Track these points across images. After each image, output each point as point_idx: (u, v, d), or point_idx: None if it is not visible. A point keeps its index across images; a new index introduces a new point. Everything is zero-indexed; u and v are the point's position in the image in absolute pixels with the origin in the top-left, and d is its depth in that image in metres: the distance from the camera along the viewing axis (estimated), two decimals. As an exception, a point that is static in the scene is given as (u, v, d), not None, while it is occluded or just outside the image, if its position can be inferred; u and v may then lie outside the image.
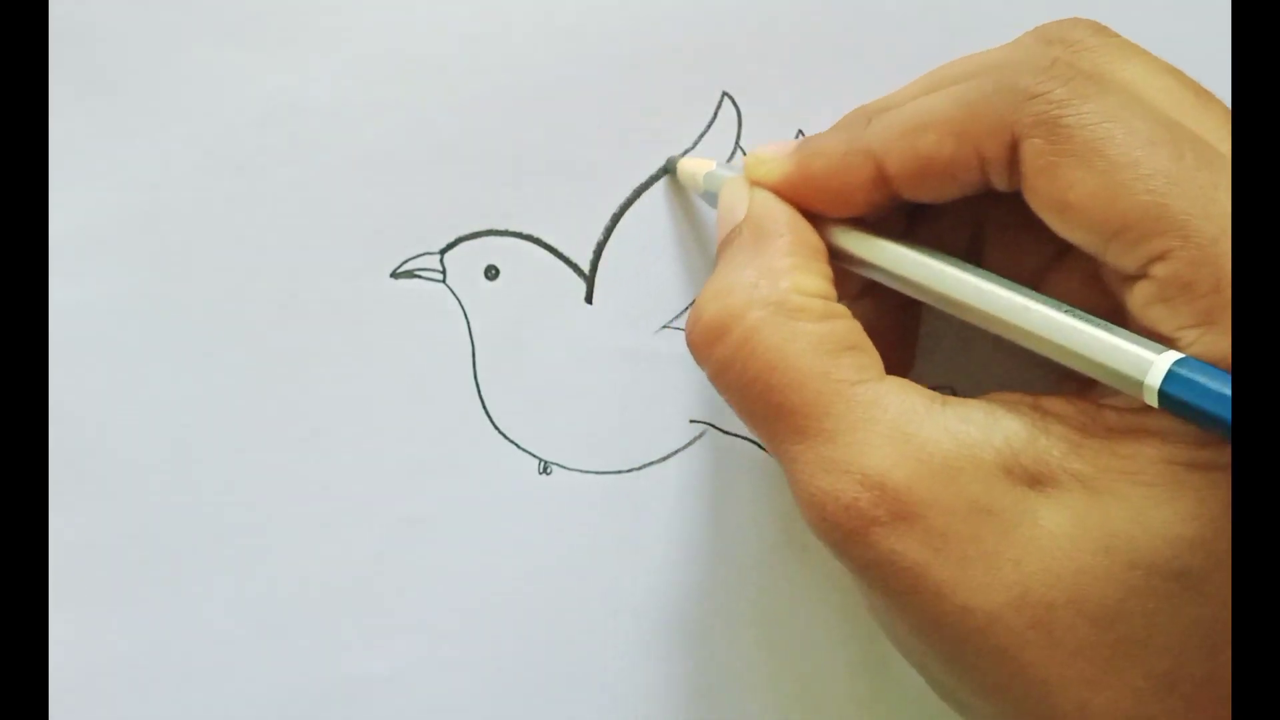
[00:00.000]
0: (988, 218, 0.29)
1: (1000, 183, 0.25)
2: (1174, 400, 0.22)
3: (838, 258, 0.27)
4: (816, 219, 0.27)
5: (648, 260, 0.32)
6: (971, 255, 0.28)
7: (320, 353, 0.31)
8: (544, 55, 0.31)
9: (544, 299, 0.32)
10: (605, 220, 0.31)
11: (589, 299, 0.32)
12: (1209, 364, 0.22)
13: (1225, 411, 0.22)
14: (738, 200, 0.28)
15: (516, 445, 0.32)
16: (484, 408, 0.32)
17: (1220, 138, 0.25)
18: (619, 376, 0.32)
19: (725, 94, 0.31)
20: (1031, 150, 0.24)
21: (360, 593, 0.32)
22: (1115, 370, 0.23)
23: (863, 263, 0.27)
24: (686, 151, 0.31)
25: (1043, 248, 0.27)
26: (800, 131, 0.31)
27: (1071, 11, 0.27)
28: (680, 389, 0.32)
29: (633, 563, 0.32)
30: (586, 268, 0.32)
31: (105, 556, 0.31)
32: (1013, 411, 0.24)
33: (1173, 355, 0.23)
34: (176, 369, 0.31)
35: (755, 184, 0.28)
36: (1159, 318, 0.23)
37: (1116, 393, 0.24)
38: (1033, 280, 0.27)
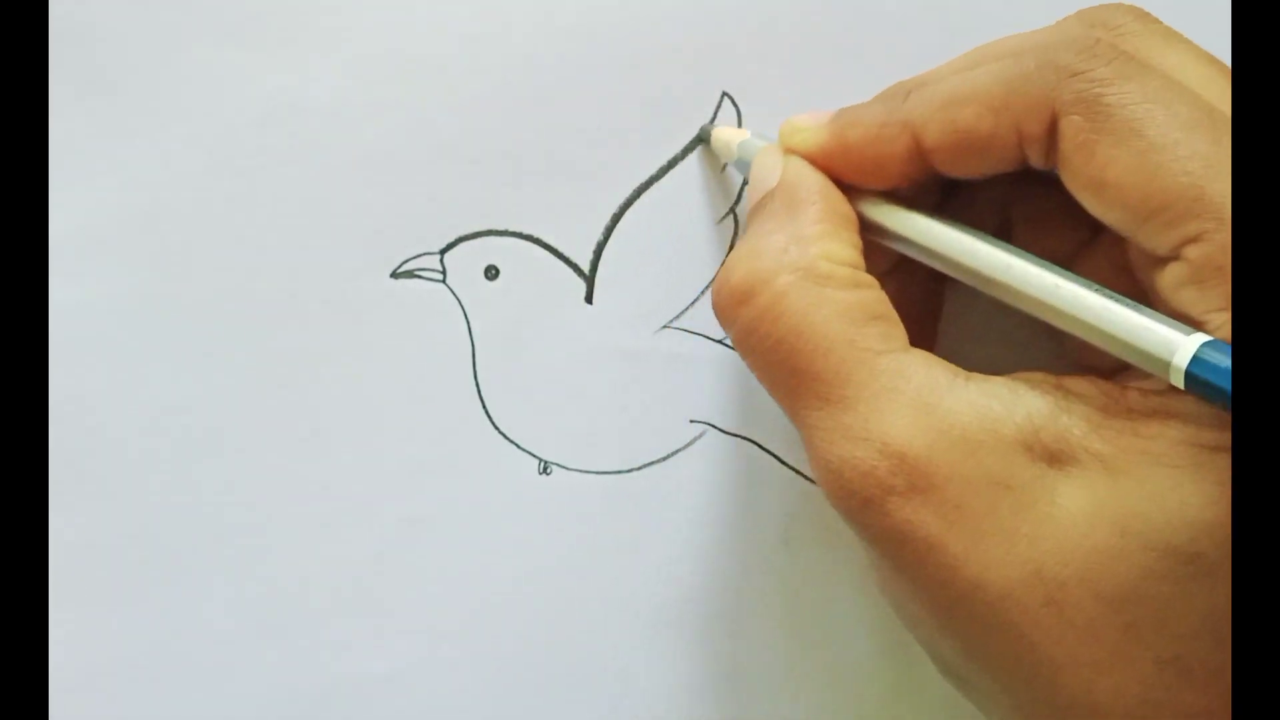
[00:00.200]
0: (1017, 202, 0.29)
1: (1037, 160, 0.25)
2: (1200, 382, 0.22)
3: (868, 230, 0.27)
4: (849, 190, 0.27)
5: (648, 260, 0.32)
6: (1000, 238, 0.28)
7: (320, 353, 0.31)
8: (544, 55, 0.31)
9: (544, 299, 0.32)
10: (605, 220, 0.31)
11: (589, 299, 0.32)
12: None
13: None
14: (771, 167, 0.28)
15: (516, 445, 0.32)
16: (484, 408, 0.32)
17: None
18: (619, 376, 0.32)
19: (725, 94, 0.31)
20: (1070, 127, 0.24)
21: (360, 593, 0.32)
22: (1142, 350, 0.23)
23: (894, 235, 0.27)
24: (686, 152, 0.31)
25: (1071, 234, 0.27)
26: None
27: (1071, 12, 0.27)
28: (680, 389, 0.32)
29: (632, 563, 0.32)
30: (586, 268, 0.32)
31: (105, 556, 0.31)
32: (1036, 389, 0.24)
33: (1201, 337, 0.23)
34: (176, 369, 0.31)
35: (789, 152, 0.28)
36: (1189, 300, 0.23)
37: (1140, 377, 0.24)
38: (1060, 266, 0.27)
